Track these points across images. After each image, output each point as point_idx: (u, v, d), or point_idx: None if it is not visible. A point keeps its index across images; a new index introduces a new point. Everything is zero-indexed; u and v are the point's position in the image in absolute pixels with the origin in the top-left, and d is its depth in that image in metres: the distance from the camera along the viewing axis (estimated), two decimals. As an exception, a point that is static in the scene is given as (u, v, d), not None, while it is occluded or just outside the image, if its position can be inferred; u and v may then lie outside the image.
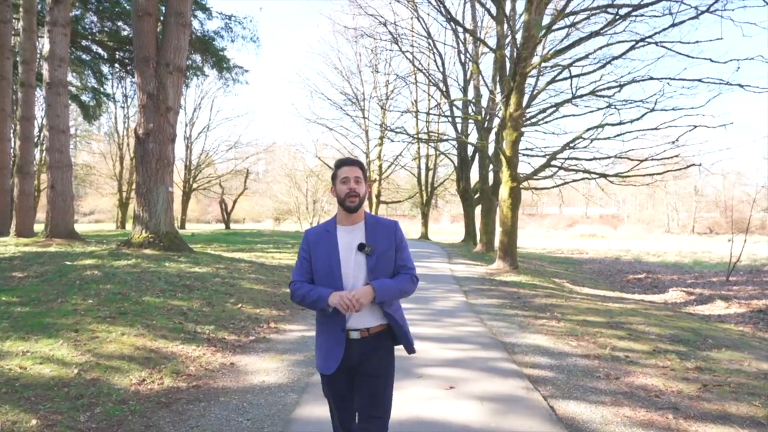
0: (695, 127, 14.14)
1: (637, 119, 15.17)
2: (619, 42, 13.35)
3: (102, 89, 26.18)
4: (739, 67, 12.58)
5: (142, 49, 11.13)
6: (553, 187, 19.34)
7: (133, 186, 24.75)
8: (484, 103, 22.06)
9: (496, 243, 20.86)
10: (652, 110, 14.95)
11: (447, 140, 25.76)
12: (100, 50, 22.87)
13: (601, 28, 12.23)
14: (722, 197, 60.75)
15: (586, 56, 13.95)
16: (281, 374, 4.32)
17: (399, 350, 2.44)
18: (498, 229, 14.52)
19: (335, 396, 2.31)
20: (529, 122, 17.68)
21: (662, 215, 66.26)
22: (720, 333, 7.38)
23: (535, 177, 16.33)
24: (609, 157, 16.16)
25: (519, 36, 12.46)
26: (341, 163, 2.30)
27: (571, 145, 15.98)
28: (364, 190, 2.27)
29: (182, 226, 39.01)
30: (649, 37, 12.81)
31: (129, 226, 28.87)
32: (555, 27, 13.44)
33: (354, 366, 2.27)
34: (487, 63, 38.01)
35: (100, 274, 7.78)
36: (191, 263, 9.79)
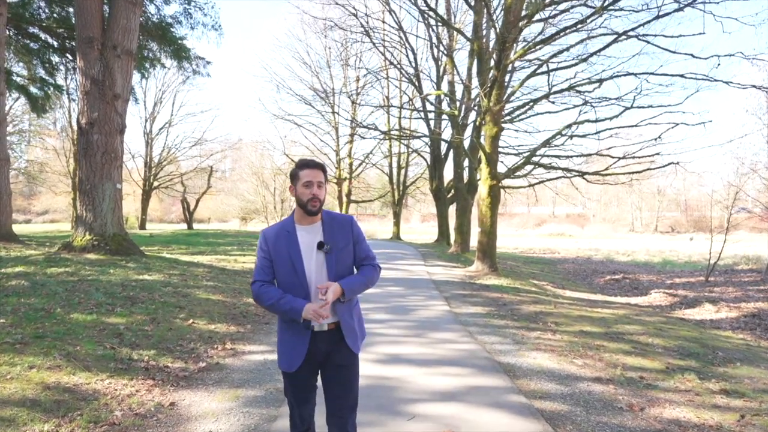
0: (676, 124, 13.84)
1: (616, 116, 14.82)
2: (601, 35, 12.86)
3: (52, 80, 24.35)
4: (719, 64, 12.19)
5: (84, 28, 9.90)
6: (529, 186, 18.83)
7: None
8: (458, 97, 21.40)
9: (472, 243, 20.28)
10: (631, 107, 14.62)
11: (420, 137, 25.02)
12: (49, 38, 21.17)
13: (588, 17, 11.66)
14: (683, 197, 62.45)
15: (567, 49, 13.39)
16: (234, 419, 3.38)
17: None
18: (476, 230, 13.81)
19: (298, 395, 2.33)
20: (505, 119, 17.11)
21: (627, 214, 67.46)
22: (725, 343, 6.82)
23: (512, 175, 15.75)
24: (589, 155, 15.75)
25: (499, 24, 11.76)
26: (304, 165, 2.31)
27: (550, 142, 15.49)
28: (324, 194, 2.31)
29: (142, 227, 37.12)
30: (632, 30, 12.38)
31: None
32: (534, 19, 12.86)
33: (321, 361, 2.31)
34: (460, 58, 37.49)
35: (27, 285, 6.63)
36: (140, 269, 8.68)
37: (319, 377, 2.38)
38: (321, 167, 2.32)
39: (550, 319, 7.37)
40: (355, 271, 2.39)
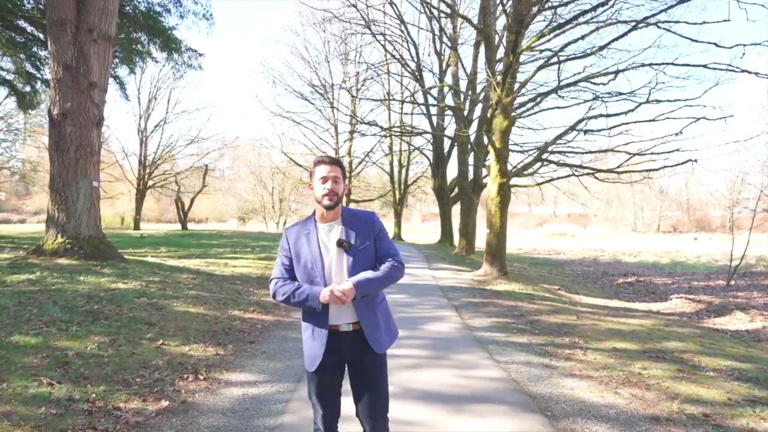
0: (697, 119, 12.99)
1: (632, 110, 14.03)
2: (618, 22, 11.98)
3: (40, 75, 23.44)
4: (744, 53, 11.41)
5: (56, 9, 9.00)
6: (536, 185, 17.95)
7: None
8: (462, 90, 20.48)
9: (477, 244, 19.41)
10: (647, 101, 13.83)
11: (422, 134, 24.10)
12: (35, 31, 20.27)
13: (605, 1, 10.78)
14: (685, 196, 61.59)
15: (582, 38, 12.50)
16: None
17: None
18: (485, 231, 12.89)
19: (322, 396, 2.27)
20: (513, 113, 16.25)
21: (628, 214, 66.50)
22: (780, 362, 5.94)
23: (522, 173, 14.87)
24: (604, 151, 14.86)
25: (509, 7, 10.87)
26: (319, 162, 2.28)
27: (562, 137, 14.64)
28: (342, 189, 2.26)
29: (137, 227, 36.26)
30: (652, 16, 11.55)
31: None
32: (546, 6, 11.99)
33: (345, 361, 2.27)
34: (464, 51, 36.43)
35: (-25, 297, 5.72)
36: (116, 276, 7.77)
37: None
38: (337, 162, 2.28)
39: (576, 334, 6.49)
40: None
